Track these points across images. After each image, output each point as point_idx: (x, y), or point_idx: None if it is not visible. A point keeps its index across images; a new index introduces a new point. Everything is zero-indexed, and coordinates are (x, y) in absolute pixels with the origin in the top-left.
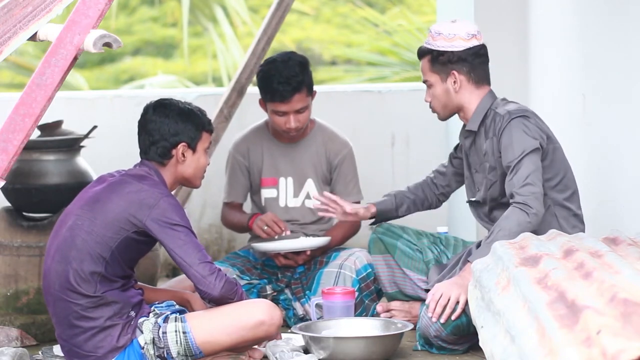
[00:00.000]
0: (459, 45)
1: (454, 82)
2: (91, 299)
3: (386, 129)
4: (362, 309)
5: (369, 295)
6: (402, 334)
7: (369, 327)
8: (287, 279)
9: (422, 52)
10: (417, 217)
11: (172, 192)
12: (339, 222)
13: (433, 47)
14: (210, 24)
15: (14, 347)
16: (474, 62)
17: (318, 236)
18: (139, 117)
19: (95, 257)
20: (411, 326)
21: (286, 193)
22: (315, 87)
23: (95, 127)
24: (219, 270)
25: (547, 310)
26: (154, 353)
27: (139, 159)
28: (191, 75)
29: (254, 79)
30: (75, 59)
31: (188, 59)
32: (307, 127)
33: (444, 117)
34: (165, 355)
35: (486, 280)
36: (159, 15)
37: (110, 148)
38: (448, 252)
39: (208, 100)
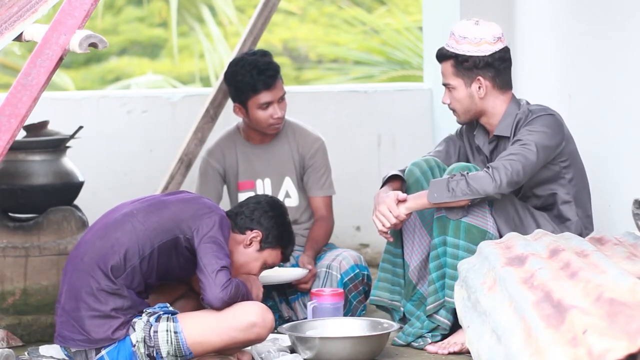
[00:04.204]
0: (485, 49)
1: (479, 87)
2: (111, 284)
3: (372, 129)
4: (349, 309)
5: (357, 296)
6: (388, 333)
7: (355, 327)
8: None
9: (445, 56)
10: None
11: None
12: (316, 222)
13: (458, 52)
14: (197, 24)
15: (0, 348)
16: (500, 67)
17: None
18: (124, 117)
19: (137, 246)
20: (397, 326)
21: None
22: (301, 88)
23: (81, 127)
24: (230, 282)
25: (533, 310)
26: (144, 352)
27: (125, 159)
28: (178, 75)
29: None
30: (61, 59)
31: (175, 59)
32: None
33: (464, 121)
34: (155, 354)
35: (472, 280)
36: (145, 15)
37: (96, 148)
38: None
39: (194, 100)
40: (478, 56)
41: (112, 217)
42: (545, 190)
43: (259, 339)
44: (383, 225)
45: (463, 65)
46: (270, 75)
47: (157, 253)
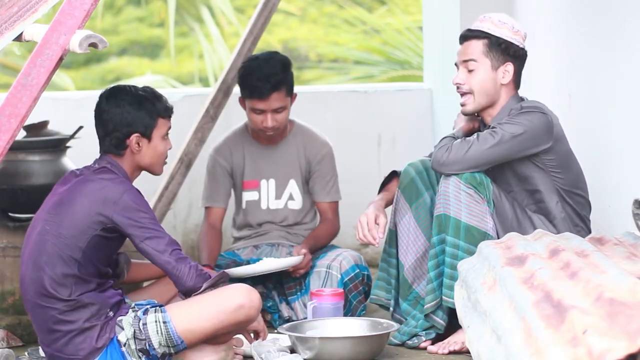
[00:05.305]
0: (519, 42)
1: (504, 73)
2: (67, 302)
3: (372, 129)
4: (349, 309)
5: (357, 295)
6: (388, 334)
7: (355, 327)
8: (275, 277)
9: (478, 34)
10: None
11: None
12: (321, 223)
13: (495, 34)
14: (196, 24)
15: (0, 348)
16: (522, 64)
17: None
18: None
19: (66, 259)
20: (397, 326)
21: (268, 195)
22: (301, 88)
23: (81, 127)
24: (189, 258)
25: (533, 310)
26: (136, 348)
27: None
28: (177, 76)
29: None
30: (61, 59)
31: (174, 59)
32: (287, 128)
33: (473, 108)
34: (147, 347)
35: (472, 280)
36: (145, 15)
37: (96, 148)
38: None
39: (194, 100)
40: (514, 43)
41: (32, 241)
42: (531, 185)
43: (249, 320)
44: (357, 234)
45: (500, 46)
46: (267, 87)
47: (88, 252)
